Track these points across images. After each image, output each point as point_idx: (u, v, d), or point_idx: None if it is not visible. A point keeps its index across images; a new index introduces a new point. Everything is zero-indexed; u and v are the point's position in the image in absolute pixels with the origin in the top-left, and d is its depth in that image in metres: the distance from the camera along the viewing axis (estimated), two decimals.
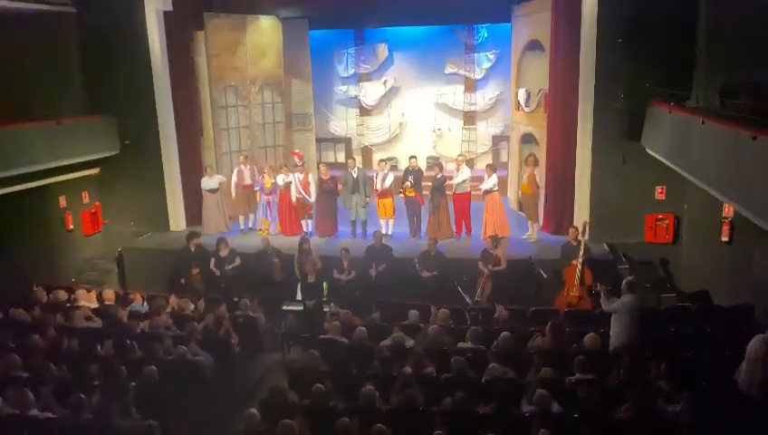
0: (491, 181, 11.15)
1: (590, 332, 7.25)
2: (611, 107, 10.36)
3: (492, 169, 11.35)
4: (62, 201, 11.87)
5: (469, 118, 15.93)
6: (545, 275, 9.56)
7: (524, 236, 11.37)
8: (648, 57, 10.10)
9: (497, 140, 15.74)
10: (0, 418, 5.79)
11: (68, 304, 9.08)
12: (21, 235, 10.82)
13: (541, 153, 11.87)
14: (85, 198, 12.34)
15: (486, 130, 15.90)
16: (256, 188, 12.19)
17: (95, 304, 9.12)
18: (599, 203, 10.82)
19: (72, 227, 12.06)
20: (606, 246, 10.62)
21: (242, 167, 12.28)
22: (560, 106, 11.11)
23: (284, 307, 9.83)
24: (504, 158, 15.21)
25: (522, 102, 12.68)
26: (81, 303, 9.06)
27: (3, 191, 10.03)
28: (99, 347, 7.49)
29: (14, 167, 9.93)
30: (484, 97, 15.73)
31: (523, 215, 11.77)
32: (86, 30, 11.84)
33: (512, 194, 13.35)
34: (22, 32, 11.15)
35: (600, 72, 10.43)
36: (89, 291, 9.53)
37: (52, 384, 6.36)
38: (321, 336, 7.78)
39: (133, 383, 6.44)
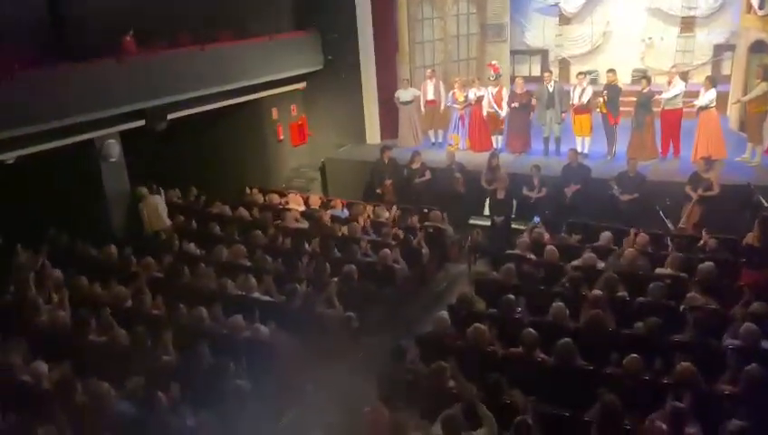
0: (708, 96, 9.99)
1: None
2: None
3: (711, 82, 10.16)
4: (275, 113, 12.99)
5: (687, 24, 14.14)
6: (766, 204, 8.50)
7: (740, 159, 10.14)
8: None
9: (720, 49, 13.87)
10: (231, 297, 6.81)
11: (280, 207, 10.15)
12: (241, 143, 12.15)
13: None
14: (293, 110, 13.35)
15: (707, 38, 14.05)
16: (448, 104, 12.24)
17: (303, 208, 10.09)
18: None
19: (282, 137, 13.23)
20: None
21: (427, 82, 12.33)
22: None
23: (471, 221, 10.05)
24: (726, 70, 13.42)
25: (755, 4, 10.93)
26: (292, 206, 10.09)
27: (226, 103, 11.25)
28: (307, 245, 8.36)
29: (235, 81, 11.05)
30: None
31: (744, 136, 10.44)
32: None
33: (732, 112, 11.84)
34: None
35: None
36: (298, 195, 10.56)
37: (271, 274, 7.29)
38: (509, 251, 7.84)
39: (335, 279, 7.13)
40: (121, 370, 5.35)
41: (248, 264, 7.72)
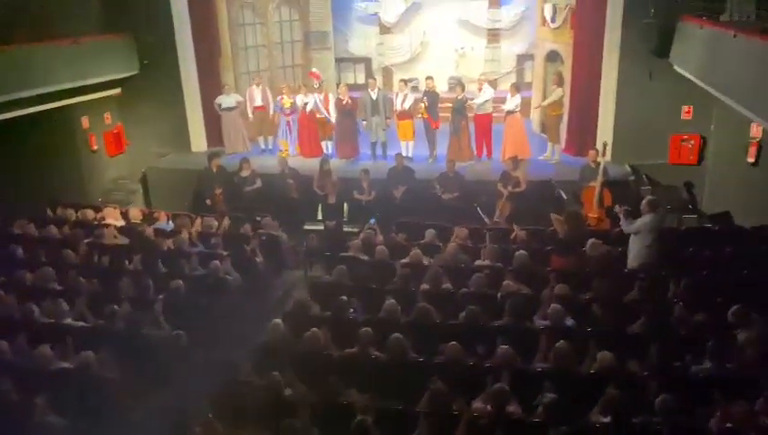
0: (513, 101, 10.96)
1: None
2: (640, 22, 9.97)
3: (516, 88, 11.15)
4: (85, 122, 11.96)
5: (493, 36, 15.44)
6: (565, 197, 9.54)
7: (543, 157, 11.28)
8: None
9: (522, 59, 15.30)
10: (37, 325, 6.10)
11: (96, 223, 9.33)
12: (48, 155, 10.98)
13: (566, 71, 11.55)
14: (107, 119, 12.40)
15: (510, 49, 15.44)
16: (276, 110, 12.14)
17: (122, 223, 9.36)
18: (622, 123, 10.62)
19: (96, 147, 12.20)
20: (628, 167, 10.50)
21: (253, 87, 12.17)
22: (587, 21, 10.72)
23: (306, 227, 10.05)
24: (528, 78, 14.83)
25: (548, 18, 12.24)
26: (109, 221, 9.31)
27: (27, 111, 10.10)
28: (127, 262, 7.77)
29: (35, 86, 9.94)
30: (508, 13, 15.16)
31: (545, 136, 11.62)
32: None
33: (535, 115, 13.13)
34: None
35: None
36: (116, 209, 9.77)
37: (85, 296, 6.65)
38: (343, 254, 7.95)
39: (161, 296, 6.70)
40: None
41: (58, 287, 6.98)
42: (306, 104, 11.72)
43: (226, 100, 12.04)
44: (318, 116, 11.74)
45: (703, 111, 10.07)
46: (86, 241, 8.27)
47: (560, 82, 11.08)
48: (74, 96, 11.03)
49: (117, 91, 12.17)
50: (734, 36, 7.17)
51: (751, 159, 8.59)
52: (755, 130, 8.39)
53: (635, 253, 7.25)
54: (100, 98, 11.84)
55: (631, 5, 10.05)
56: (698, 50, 8.72)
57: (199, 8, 12.09)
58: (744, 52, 7.00)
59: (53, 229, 8.72)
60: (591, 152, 9.62)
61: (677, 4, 9.55)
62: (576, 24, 11.09)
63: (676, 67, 9.58)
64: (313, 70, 12.84)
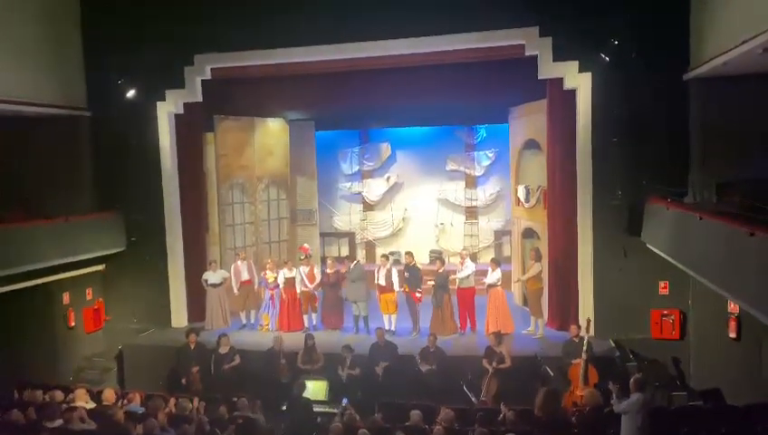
0: (494, 276, 11.17)
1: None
2: (610, 203, 10.53)
3: (496, 263, 11.42)
4: (66, 298, 11.89)
5: (471, 213, 16.16)
6: (551, 374, 9.35)
7: (526, 331, 11.25)
8: (643, 155, 10.37)
9: (499, 234, 15.88)
10: None
11: (64, 405, 8.85)
12: (22, 332, 10.76)
13: (543, 247, 11.94)
14: (89, 294, 12.36)
15: (488, 224, 16.09)
16: (261, 284, 12.24)
17: (92, 405, 8.90)
18: (602, 298, 10.74)
19: (73, 324, 12.00)
20: (612, 342, 10.44)
21: (238, 262, 12.39)
22: (559, 202, 11.28)
23: (285, 407, 9.60)
24: (506, 252, 15.26)
25: (522, 198, 12.92)
26: (78, 403, 8.84)
27: (7, 288, 10.06)
28: None
29: (21, 264, 10.03)
30: (484, 193, 16.03)
31: (528, 310, 11.69)
32: (99, 131, 12.34)
33: (516, 289, 13.32)
34: (37, 133, 11.65)
35: (596, 169, 10.66)
36: (87, 391, 9.34)
37: None
38: None
39: None
40: None
41: None
42: (288, 279, 11.85)
43: (213, 276, 12.15)
44: (303, 289, 11.82)
45: (679, 286, 10.26)
46: (51, 426, 7.77)
47: (537, 258, 11.38)
48: (59, 272, 11.08)
49: (101, 267, 12.27)
50: (700, 219, 7.55)
51: (732, 335, 8.62)
52: (733, 306, 8.51)
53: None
54: (84, 274, 11.89)
55: (600, 188, 10.66)
56: (667, 230, 9.12)
57: (190, 189, 12.63)
58: (710, 233, 7.33)
59: (17, 414, 8.22)
60: (573, 327, 9.64)
61: (643, 187, 10.16)
62: (548, 204, 11.66)
63: (648, 245, 9.94)
64: (305, 245, 13.25)
